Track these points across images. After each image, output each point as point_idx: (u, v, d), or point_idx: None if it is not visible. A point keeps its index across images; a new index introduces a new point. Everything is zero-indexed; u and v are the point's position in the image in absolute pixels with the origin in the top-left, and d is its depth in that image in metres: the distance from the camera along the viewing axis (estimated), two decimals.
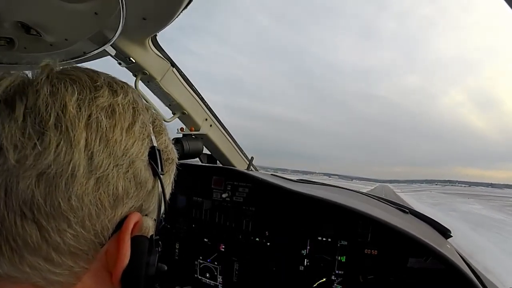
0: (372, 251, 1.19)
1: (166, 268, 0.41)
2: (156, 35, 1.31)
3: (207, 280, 1.57)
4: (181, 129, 1.74)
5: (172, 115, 1.66)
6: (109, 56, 1.31)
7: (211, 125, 1.84)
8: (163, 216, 0.43)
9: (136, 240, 0.36)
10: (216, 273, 1.54)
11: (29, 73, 0.35)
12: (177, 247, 1.70)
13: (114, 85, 0.38)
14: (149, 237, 0.39)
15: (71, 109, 0.32)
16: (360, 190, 1.98)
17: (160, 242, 0.41)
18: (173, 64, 1.51)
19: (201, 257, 1.60)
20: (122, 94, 0.38)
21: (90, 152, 0.32)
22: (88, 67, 0.40)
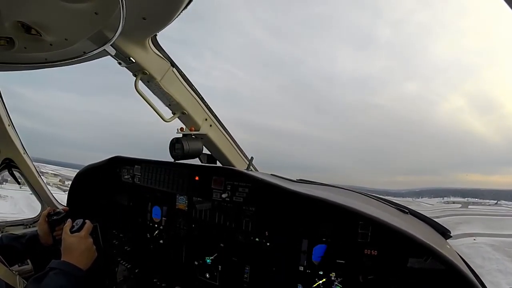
0: (372, 251, 1.18)
1: None
2: (156, 35, 1.31)
3: (207, 280, 1.57)
4: (181, 129, 1.74)
5: (172, 115, 1.66)
6: (109, 56, 1.31)
7: (211, 125, 1.84)
8: None
9: None
10: (216, 273, 1.54)
11: None
12: (177, 247, 1.70)
13: None
14: None
15: None
16: None
17: None
18: (173, 64, 1.51)
19: (201, 257, 1.60)
20: None
21: None
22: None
